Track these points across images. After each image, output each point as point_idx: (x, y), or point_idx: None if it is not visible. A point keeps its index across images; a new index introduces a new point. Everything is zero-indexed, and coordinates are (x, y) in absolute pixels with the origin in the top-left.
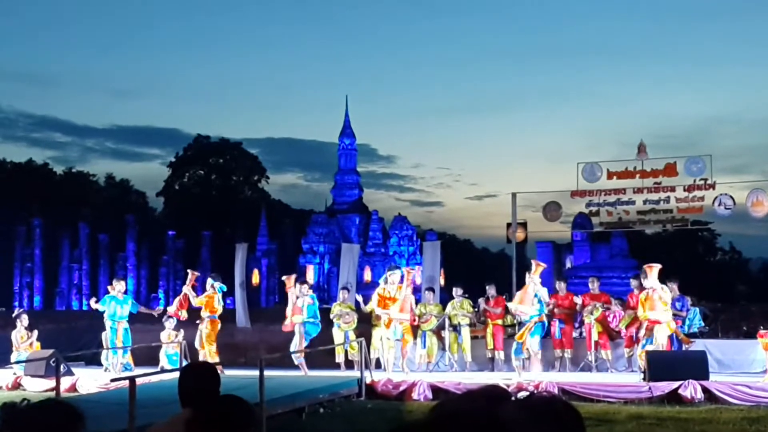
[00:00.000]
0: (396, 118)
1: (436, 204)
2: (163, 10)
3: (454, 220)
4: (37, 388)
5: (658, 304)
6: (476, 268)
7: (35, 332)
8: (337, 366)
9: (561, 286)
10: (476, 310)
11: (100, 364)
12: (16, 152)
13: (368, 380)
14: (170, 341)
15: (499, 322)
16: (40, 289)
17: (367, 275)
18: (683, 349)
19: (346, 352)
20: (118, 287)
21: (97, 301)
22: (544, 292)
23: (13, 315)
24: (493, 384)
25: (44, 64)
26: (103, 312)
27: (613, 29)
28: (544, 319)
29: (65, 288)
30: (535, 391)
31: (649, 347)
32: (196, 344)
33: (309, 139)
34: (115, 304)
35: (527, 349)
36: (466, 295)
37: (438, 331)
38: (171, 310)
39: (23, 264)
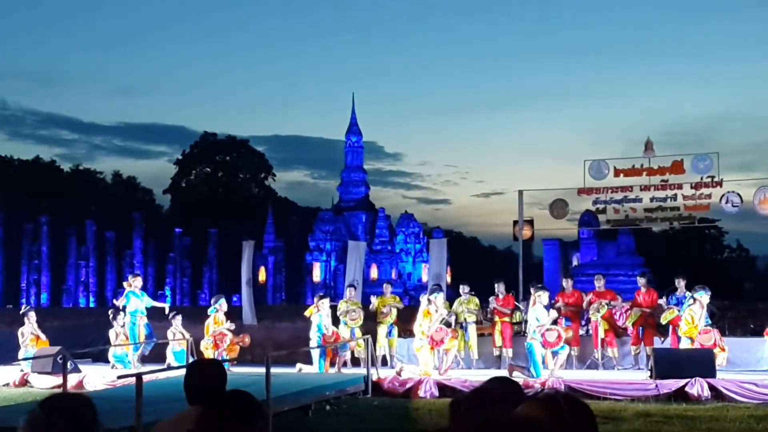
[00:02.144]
0: (403, 116)
1: (443, 201)
2: (170, 8)
3: (460, 217)
4: (44, 385)
5: None
6: (483, 265)
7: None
8: (343, 363)
9: (568, 283)
10: (485, 307)
11: (107, 361)
12: (23, 150)
13: (375, 377)
14: (177, 338)
15: (507, 319)
16: (47, 287)
17: (374, 273)
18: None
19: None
20: (135, 283)
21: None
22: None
23: (21, 312)
24: (503, 377)
25: (51, 62)
26: (125, 308)
27: (619, 27)
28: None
29: (72, 285)
30: (542, 389)
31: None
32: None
33: (316, 136)
34: (136, 300)
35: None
36: (473, 293)
37: None
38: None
39: (30, 261)
